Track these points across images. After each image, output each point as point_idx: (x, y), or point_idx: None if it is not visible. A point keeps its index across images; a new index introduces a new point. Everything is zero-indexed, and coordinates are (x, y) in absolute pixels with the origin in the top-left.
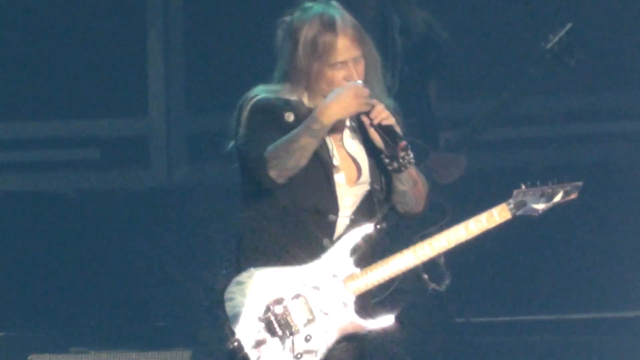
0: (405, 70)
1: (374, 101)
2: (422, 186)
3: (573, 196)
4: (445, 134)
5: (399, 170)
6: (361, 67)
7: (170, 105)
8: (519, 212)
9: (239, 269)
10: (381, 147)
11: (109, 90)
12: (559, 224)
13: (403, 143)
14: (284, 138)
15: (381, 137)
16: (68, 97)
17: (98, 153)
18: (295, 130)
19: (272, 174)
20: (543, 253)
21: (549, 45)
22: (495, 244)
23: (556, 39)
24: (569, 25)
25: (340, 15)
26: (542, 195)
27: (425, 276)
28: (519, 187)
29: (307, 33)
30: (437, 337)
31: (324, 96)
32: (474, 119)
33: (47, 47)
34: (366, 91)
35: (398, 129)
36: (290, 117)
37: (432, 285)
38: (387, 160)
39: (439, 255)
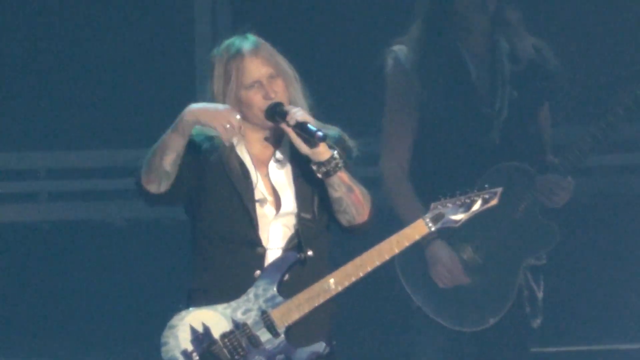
0: (514, 96)
1: (289, 107)
2: (360, 194)
3: (493, 202)
4: (552, 157)
5: (327, 174)
6: (278, 86)
7: None
8: (437, 226)
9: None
10: (308, 153)
11: (157, 119)
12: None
13: (318, 134)
14: None
15: (302, 138)
16: (117, 126)
17: None
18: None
19: (143, 180)
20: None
21: None
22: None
23: None
24: None
25: (249, 42)
26: (460, 206)
27: (528, 310)
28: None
29: (218, 67)
30: None
31: (251, 122)
32: (580, 141)
33: (97, 78)
34: (236, 119)
35: (313, 124)
36: (206, 153)
37: (535, 324)
38: (315, 167)
39: (535, 290)
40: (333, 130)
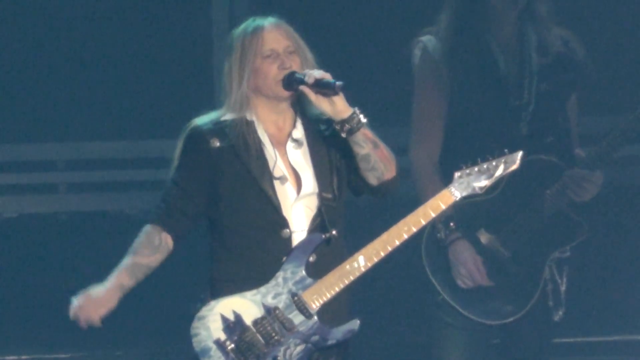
0: (542, 88)
1: (305, 70)
2: (386, 150)
3: (514, 167)
4: (580, 150)
5: (351, 131)
6: (295, 61)
7: None
8: (463, 194)
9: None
10: (329, 113)
11: (175, 111)
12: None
13: (338, 83)
14: (127, 253)
15: (324, 95)
16: (135, 117)
17: (162, 173)
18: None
19: None
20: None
21: None
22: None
23: None
24: None
25: (270, 19)
26: (483, 172)
27: (551, 303)
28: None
29: (236, 43)
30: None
31: (265, 95)
32: (609, 134)
33: (115, 70)
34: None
35: (330, 77)
36: (215, 142)
37: (557, 316)
38: (338, 127)
39: (558, 283)
40: None
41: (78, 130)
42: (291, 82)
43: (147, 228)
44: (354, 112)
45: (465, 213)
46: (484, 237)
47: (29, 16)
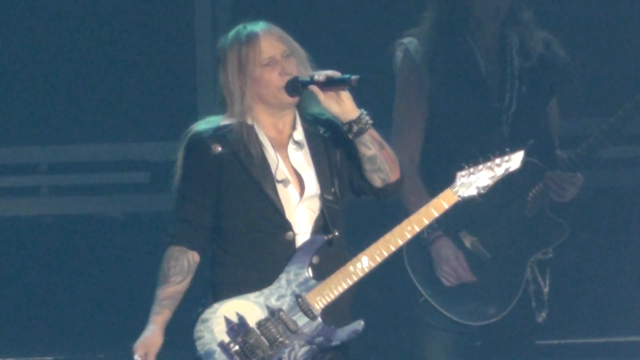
0: (523, 91)
1: (310, 72)
2: (391, 151)
3: (516, 167)
4: (561, 152)
5: (360, 132)
6: (293, 64)
7: None
8: (466, 194)
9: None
10: (338, 113)
11: (158, 114)
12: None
13: (353, 77)
14: (160, 282)
15: (335, 92)
16: (118, 120)
17: (148, 176)
18: (156, 296)
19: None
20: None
21: None
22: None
23: None
24: None
25: (261, 24)
26: (485, 172)
27: (534, 304)
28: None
29: (230, 54)
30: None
31: (268, 103)
32: (590, 137)
33: (98, 73)
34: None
35: (340, 74)
36: (217, 148)
37: (540, 318)
38: (346, 127)
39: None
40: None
41: (61, 133)
42: (296, 87)
43: (172, 251)
44: (362, 114)
45: (447, 214)
46: (466, 239)
47: (6, 20)
